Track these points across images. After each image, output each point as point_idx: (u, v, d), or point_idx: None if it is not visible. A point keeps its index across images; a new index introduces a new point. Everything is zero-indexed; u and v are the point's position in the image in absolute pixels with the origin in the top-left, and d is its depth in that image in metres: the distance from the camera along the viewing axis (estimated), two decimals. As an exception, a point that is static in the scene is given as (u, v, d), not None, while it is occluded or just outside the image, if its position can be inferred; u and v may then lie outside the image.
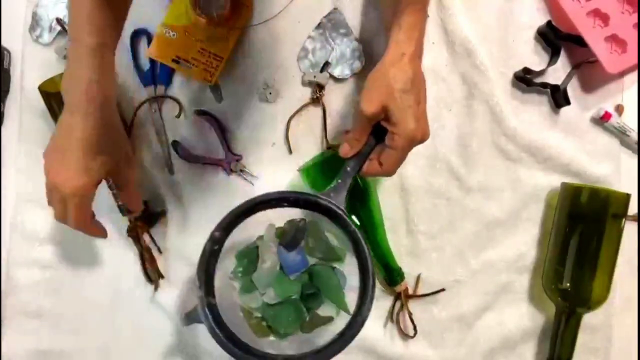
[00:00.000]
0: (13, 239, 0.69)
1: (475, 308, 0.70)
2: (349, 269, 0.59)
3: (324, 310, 0.61)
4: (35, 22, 0.69)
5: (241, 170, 0.69)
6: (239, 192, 0.69)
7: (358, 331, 0.53)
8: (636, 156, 0.72)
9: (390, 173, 0.55)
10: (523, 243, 0.71)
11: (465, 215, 0.70)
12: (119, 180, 0.58)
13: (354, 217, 0.65)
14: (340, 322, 0.56)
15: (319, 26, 0.69)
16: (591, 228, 0.65)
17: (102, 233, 0.59)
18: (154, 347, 0.69)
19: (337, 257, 0.61)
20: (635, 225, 0.71)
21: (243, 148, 0.69)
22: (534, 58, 0.71)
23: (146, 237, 0.69)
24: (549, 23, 0.70)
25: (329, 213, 0.56)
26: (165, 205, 0.70)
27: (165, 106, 0.70)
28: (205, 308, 0.53)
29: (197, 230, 0.68)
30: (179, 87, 0.70)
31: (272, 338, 0.60)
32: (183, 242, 0.69)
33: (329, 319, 0.60)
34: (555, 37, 0.70)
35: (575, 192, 0.67)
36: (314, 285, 0.60)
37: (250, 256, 0.61)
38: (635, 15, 0.70)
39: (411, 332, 0.67)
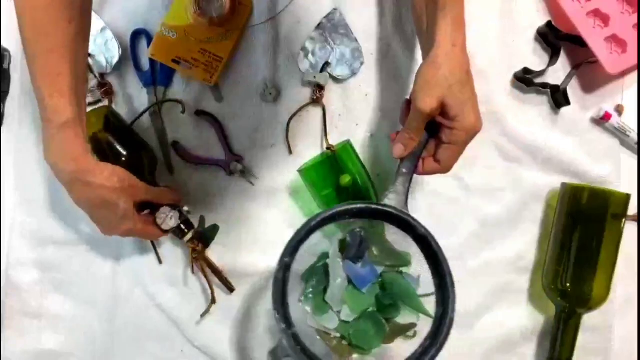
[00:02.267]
0: (13, 239, 0.69)
1: (475, 308, 0.70)
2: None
3: (403, 317, 0.58)
4: (35, 23, 0.69)
5: (241, 171, 0.69)
6: (239, 192, 0.69)
7: (449, 332, 0.51)
8: (636, 156, 0.72)
9: (449, 169, 0.54)
10: (523, 243, 0.71)
11: (465, 215, 0.70)
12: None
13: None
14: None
15: (319, 27, 0.69)
16: (591, 228, 0.65)
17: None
18: (154, 347, 0.69)
19: (404, 262, 0.58)
20: (635, 225, 0.71)
21: (243, 148, 0.69)
22: (534, 58, 0.71)
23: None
24: (549, 23, 0.70)
25: (390, 218, 0.53)
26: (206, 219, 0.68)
27: (165, 106, 0.70)
28: (292, 341, 0.49)
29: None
30: (179, 87, 0.70)
31: (355, 356, 0.57)
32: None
33: (410, 326, 0.57)
34: (555, 38, 0.70)
35: (575, 192, 0.67)
36: (388, 294, 0.57)
37: (317, 276, 0.57)
38: (635, 15, 0.70)
39: None
